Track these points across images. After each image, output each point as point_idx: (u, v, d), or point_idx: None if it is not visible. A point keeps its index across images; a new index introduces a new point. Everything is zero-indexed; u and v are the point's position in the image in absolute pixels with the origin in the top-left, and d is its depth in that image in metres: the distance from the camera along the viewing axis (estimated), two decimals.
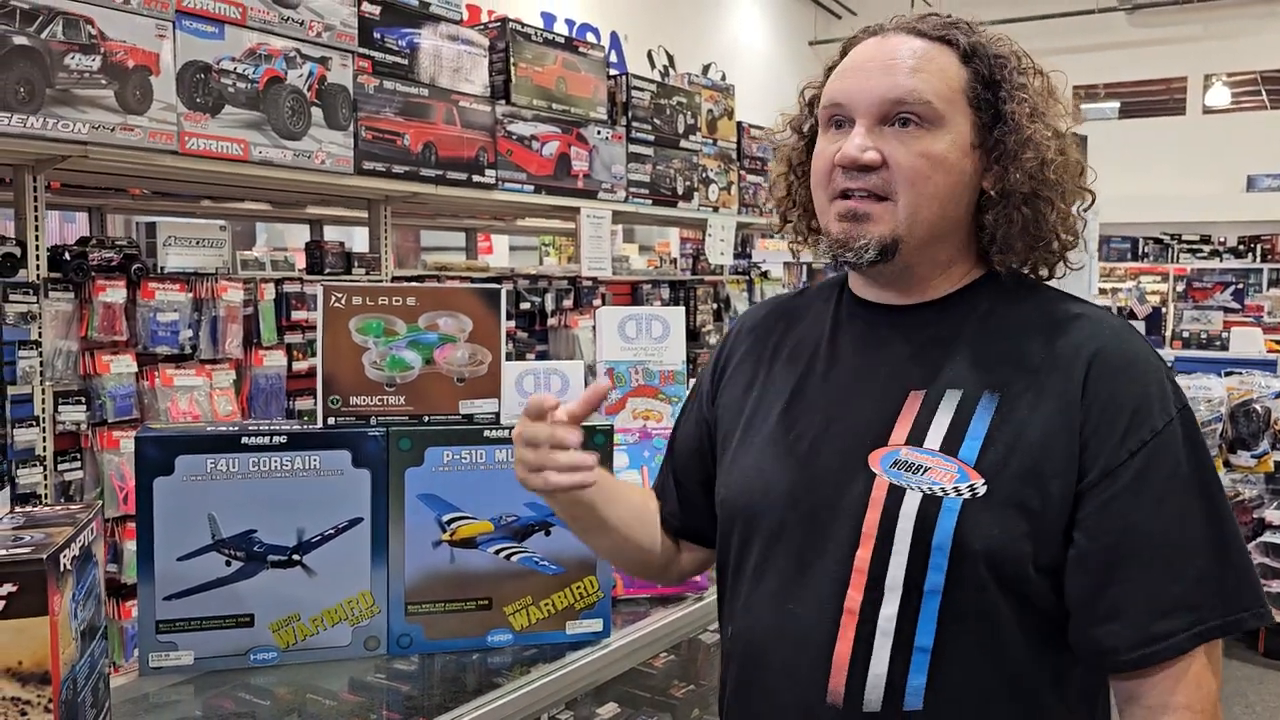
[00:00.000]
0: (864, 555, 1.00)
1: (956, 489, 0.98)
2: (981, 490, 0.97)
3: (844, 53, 1.11)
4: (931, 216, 1.03)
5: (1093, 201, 1.10)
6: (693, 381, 1.37)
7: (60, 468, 2.67)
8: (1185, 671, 0.95)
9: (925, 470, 0.99)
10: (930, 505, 0.98)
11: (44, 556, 0.90)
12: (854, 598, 1.00)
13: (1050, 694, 1.01)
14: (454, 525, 1.43)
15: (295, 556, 1.38)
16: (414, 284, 1.98)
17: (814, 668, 1.01)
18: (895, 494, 1.00)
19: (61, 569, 0.94)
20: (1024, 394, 1.00)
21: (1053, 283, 1.13)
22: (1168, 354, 5.72)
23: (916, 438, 1.01)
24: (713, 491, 1.21)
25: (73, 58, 2.40)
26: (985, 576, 0.97)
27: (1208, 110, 13.96)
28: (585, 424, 1.46)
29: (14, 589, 0.89)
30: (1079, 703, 1.04)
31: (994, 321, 1.06)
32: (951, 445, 1.00)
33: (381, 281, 3.58)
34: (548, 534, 1.47)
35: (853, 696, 0.99)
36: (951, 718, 0.99)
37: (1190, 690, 0.95)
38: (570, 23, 9.05)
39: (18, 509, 1.07)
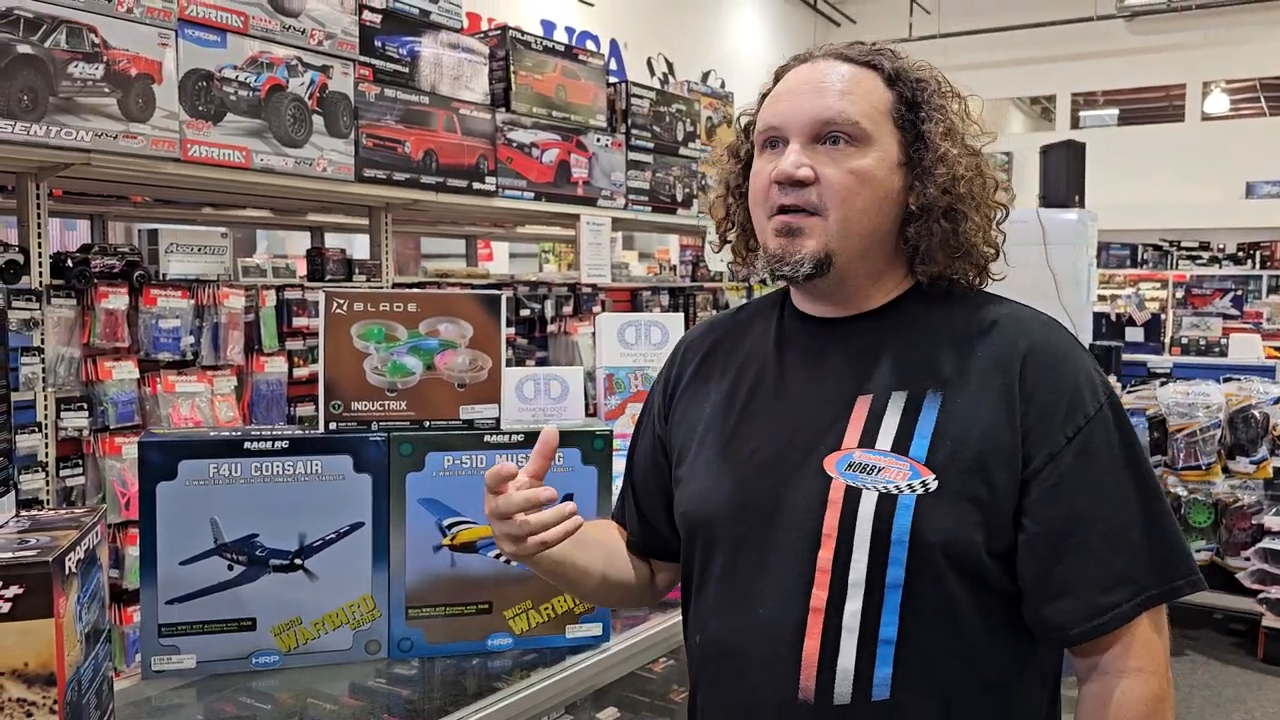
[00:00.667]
0: (826, 555, 1.04)
1: (910, 486, 1.03)
2: (933, 485, 1.02)
3: (777, 79, 1.17)
4: (861, 230, 1.08)
5: (1006, 215, 1.16)
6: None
7: (62, 473, 2.68)
8: (1134, 638, 1.03)
9: (879, 470, 1.04)
10: (886, 503, 1.03)
11: (49, 559, 0.92)
12: (819, 596, 1.04)
13: (1009, 674, 1.07)
14: (454, 530, 1.44)
15: (297, 560, 1.39)
16: (415, 290, 2.00)
17: (785, 666, 1.05)
18: (852, 495, 1.04)
19: (66, 572, 0.95)
20: (964, 391, 1.06)
21: (1005, 289, 1.18)
22: (1166, 360, 5.72)
23: (868, 440, 1.06)
24: (673, 508, 1.24)
25: (76, 66, 2.42)
26: (943, 567, 1.02)
27: (1206, 117, 13.99)
28: (584, 430, 1.49)
29: (20, 591, 0.90)
30: (1038, 682, 1.10)
31: (929, 326, 1.12)
32: (902, 445, 1.05)
33: (382, 288, 3.59)
34: None
35: (823, 691, 1.03)
36: (916, 704, 1.03)
37: (1141, 654, 1.03)
38: (570, 30, 9.07)
39: (22, 513, 1.08)
